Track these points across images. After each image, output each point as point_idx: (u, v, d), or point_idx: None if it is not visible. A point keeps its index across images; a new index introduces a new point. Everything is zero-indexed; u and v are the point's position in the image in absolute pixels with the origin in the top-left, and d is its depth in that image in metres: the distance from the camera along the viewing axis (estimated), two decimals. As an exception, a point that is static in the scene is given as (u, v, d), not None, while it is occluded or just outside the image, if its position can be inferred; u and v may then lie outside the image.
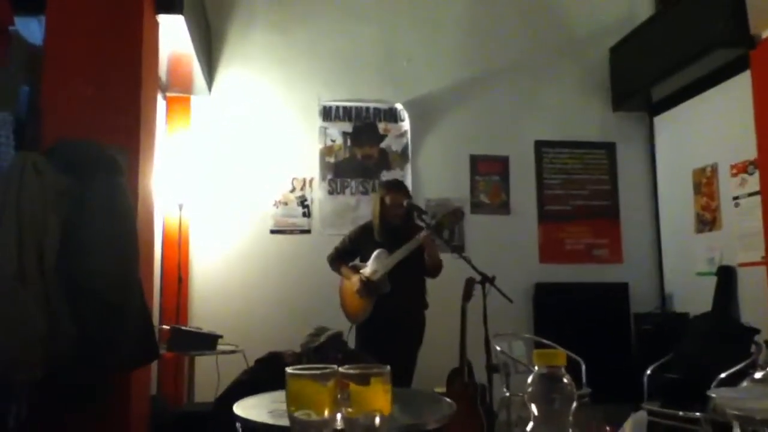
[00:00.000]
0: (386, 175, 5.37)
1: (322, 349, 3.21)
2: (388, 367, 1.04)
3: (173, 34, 3.85)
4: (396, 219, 3.97)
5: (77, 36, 3.10)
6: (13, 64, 3.01)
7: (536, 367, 0.89)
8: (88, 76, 3.05)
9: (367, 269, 3.94)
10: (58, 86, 3.03)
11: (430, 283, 4.06)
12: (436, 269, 3.97)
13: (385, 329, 3.82)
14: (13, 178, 2.40)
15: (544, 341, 4.66)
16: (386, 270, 3.87)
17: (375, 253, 3.93)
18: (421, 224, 3.98)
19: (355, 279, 3.95)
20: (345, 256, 4.12)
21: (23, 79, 3.09)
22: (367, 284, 3.88)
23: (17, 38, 3.07)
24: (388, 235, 3.98)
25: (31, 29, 3.21)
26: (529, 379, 0.89)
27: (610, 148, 5.77)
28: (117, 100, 3.07)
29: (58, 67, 3.04)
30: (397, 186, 4.13)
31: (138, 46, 3.16)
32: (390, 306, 3.87)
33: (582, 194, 5.70)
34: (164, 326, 4.33)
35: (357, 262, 4.10)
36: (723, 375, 3.59)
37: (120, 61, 3.12)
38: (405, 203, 3.94)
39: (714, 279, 4.74)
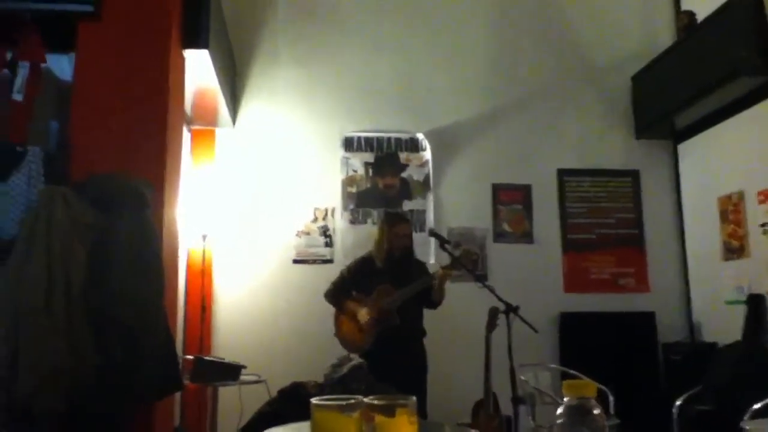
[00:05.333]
0: (408, 205, 5.40)
1: (345, 379, 3.19)
2: (414, 398, 1.03)
3: (199, 69, 3.92)
4: (399, 251, 4.06)
5: (105, 72, 3.17)
6: (44, 100, 3.08)
7: (565, 399, 0.88)
8: (116, 111, 3.11)
9: (371, 303, 3.97)
10: (87, 121, 3.09)
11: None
12: (439, 303, 4.05)
13: (390, 359, 3.81)
14: (42, 212, 2.44)
15: (571, 371, 4.59)
16: (396, 304, 3.92)
17: (379, 287, 3.97)
18: (444, 252, 3.99)
19: (363, 312, 3.97)
20: (343, 290, 4.16)
21: (53, 115, 3.16)
22: (378, 319, 3.90)
23: (49, 75, 3.15)
24: (391, 265, 4.04)
25: (62, 66, 3.29)
26: (559, 411, 0.88)
27: (634, 176, 5.73)
28: (144, 134, 3.12)
29: (86, 102, 3.11)
30: (402, 218, 4.31)
31: (165, 81, 3.22)
32: (393, 336, 3.90)
33: (606, 222, 5.65)
34: (188, 356, 4.34)
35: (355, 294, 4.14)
36: (757, 406, 3.50)
37: (147, 96, 3.17)
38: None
39: (743, 307, 4.64)
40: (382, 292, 3.97)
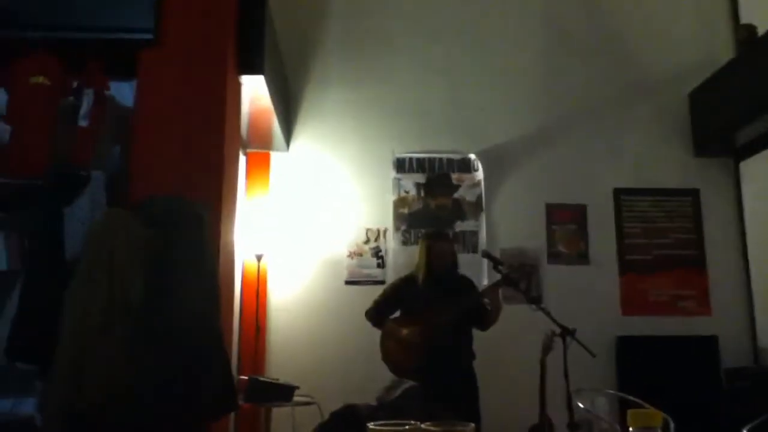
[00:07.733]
0: (460, 226, 5.38)
1: (399, 402, 3.17)
2: (472, 425, 1.01)
3: (254, 94, 4.00)
4: (442, 268, 4.01)
5: (165, 98, 3.27)
6: (107, 126, 3.20)
7: (630, 429, 0.85)
8: (175, 136, 3.21)
9: (416, 323, 3.91)
10: (147, 145, 3.19)
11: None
12: (492, 323, 3.98)
13: (438, 382, 3.76)
14: (104, 234, 2.52)
15: (630, 398, 4.45)
16: (445, 323, 3.84)
17: (427, 307, 3.91)
18: (495, 274, 3.94)
19: (406, 333, 3.92)
20: (386, 310, 4.13)
21: (115, 140, 3.28)
22: (425, 340, 3.85)
23: (111, 101, 3.27)
24: (434, 283, 3.99)
25: (123, 93, 3.41)
26: (623, 441, 0.85)
27: (693, 195, 5.57)
28: (202, 158, 3.20)
29: (147, 127, 3.21)
30: (443, 236, 4.29)
31: (222, 107, 3.30)
32: (441, 358, 3.82)
33: (665, 243, 5.49)
34: (242, 377, 4.38)
35: (397, 315, 4.12)
36: (830, 437, 3.33)
37: (205, 121, 3.26)
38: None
39: (814, 332, 4.44)
40: (430, 311, 3.91)
